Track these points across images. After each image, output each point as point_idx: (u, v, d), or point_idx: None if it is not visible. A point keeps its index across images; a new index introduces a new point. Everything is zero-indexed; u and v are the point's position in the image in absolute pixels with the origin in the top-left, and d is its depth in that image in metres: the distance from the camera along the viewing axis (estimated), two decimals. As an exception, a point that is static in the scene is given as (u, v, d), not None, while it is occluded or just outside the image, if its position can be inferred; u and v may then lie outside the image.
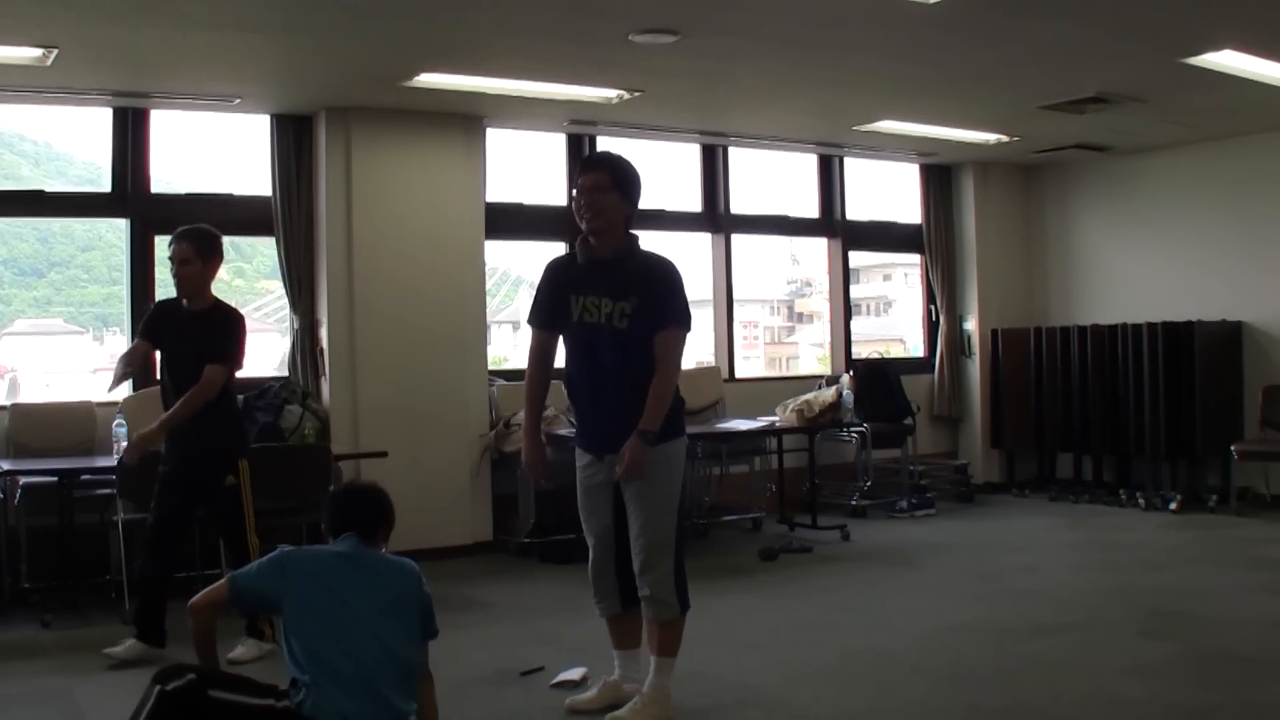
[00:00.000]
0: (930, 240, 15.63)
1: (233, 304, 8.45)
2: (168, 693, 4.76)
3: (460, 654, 7.87)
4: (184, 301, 8.16)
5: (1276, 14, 9.05)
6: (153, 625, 7.97)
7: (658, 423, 6.45)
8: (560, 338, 6.82)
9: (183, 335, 8.06)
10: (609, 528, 6.73)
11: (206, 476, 8.14)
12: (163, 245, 11.04)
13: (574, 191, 6.67)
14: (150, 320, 8.35)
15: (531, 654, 7.84)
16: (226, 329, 8.13)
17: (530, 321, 6.89)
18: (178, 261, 8.06)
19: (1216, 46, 9.92)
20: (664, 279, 6.65)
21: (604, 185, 6.56)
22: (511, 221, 12.85)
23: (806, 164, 15.21)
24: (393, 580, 5.37)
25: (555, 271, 6.85)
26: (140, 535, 9.78)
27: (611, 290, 6.53)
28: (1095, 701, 6.63)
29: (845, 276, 15.57)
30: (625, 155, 6.80)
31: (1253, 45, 9.96)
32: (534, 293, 6.95)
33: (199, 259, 8.05)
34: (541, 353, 6.85)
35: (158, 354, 8.31)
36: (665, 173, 14.90)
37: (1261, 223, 13.63)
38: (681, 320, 6.61)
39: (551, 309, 6.74)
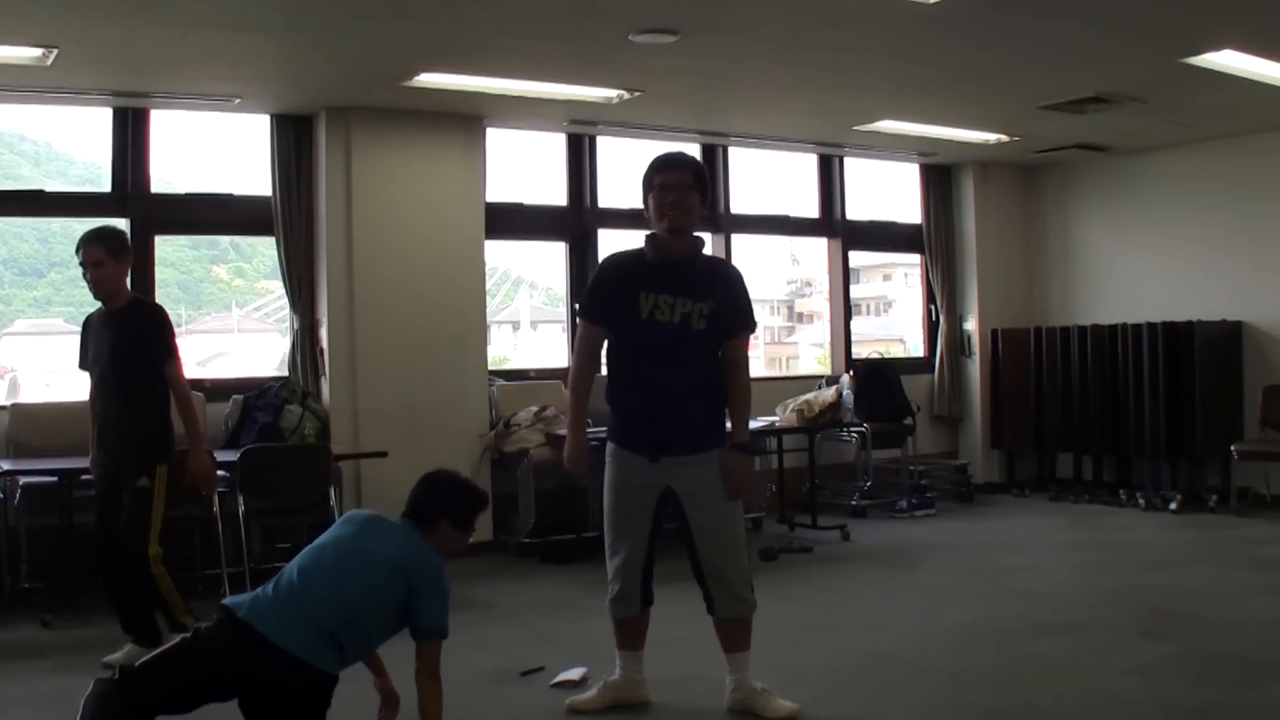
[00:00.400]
0: (930, 240, 15.63)
1: (152, 301, 8.27)
2: (98, 687, 5.22)
3: (460, 654, 7.85)
4: (101, 305, 8.04)
5: (1276, 14, 9.05)
6: (143, 626, 7.95)
7: (748, 432, 6.57)
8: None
9: (104, 337, 7.95)
10: (648, 531, 6.63)
11: (125, 475, 7.92)
12: (164, 245, 11.08)
13: (652, 189, 6.63)
14: (81, 352, 8.22)
15: (531, 654, 7.84)
16: (159, 325, 8.00)
17: (584, 315, 6.76)
18: (91, 265, 7.87)
19: (1216, 46, 9.92)
20: (739, 283, 6.72)
21: (688, 184, 6.54)
22: (511, 221, 12.86)
23: (806, 164, 15.21)
24: (379, 547, 5.72)
25: (621, 267, 6.72)
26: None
27: (691, 290, 6.49)
28: (1095, 701, 6.63)
29: (845, 276, 15.56)
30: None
31: (1252, 45, 9.97)
32: (591, 286, 6.81)
33: (111, 259, 7.87)
34: (593, 347, 6.73)
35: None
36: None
37: (1261, 223, 13.63)
38: (754, 326, 6.71)
39: (613, 304, 6.58)
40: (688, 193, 6.54)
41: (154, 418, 7.98)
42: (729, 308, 6.57)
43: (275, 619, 5.40)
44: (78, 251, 7.93)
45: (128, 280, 8.08)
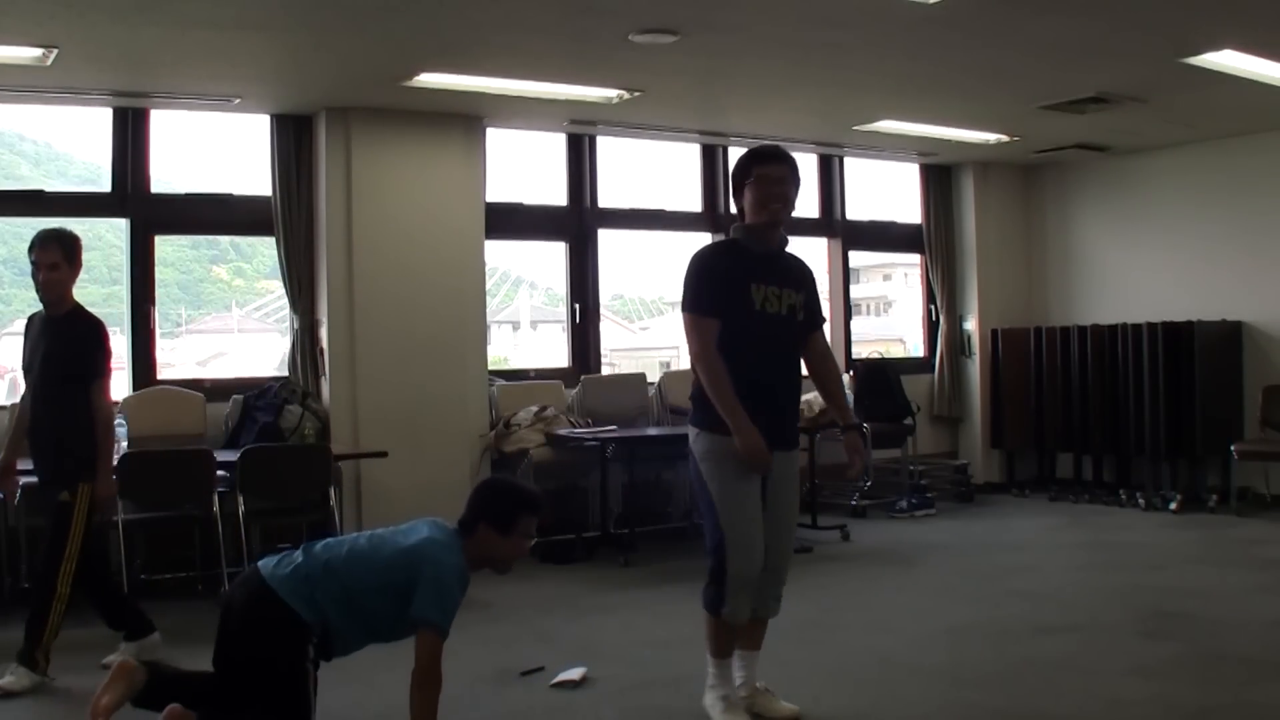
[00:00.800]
0: (930, 240, 15.64)
1: (91, 315, 8.02)
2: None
3: (460, 654, 7.85)
4: (44, 308, 7.78)
5: (1276, 14, 9.05)
6: (130, 621, 7.93)
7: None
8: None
9: (40, 345, 7.72)
10: (761, 527, 6.46)
11: (50, 487, 7.71)
12: (164, 245, 11.07)
13: (749, 180, 6.54)
14: (23, 353, 7.99)
15: (531, 654, 7.84)
16: (95, 341, 7.69)
17: (700, 310, 6.42)
18: (46, 267, 7.59)
19: (1216, 46, 9.92)
20: (814, 276, 6.83)
21: (788, 178, 6.53)
22: (511, 221, 12.87)
23: (806, 163, 15.17)
24: (405, 537, 5.92)
25: (725, 259, 6.58)
26: (140, 535, 9.85)
27: (793, 282, 6.54)
28: (1095, 702, 6.63)
29: (845, 276, 15.57)
30: None
31: (1252, 45, 9.97)
32: (699, 280, 6.50)
33: (66, 263, 7.63)
34: (714, 340, 6.36)
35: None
36: (665, 172, 14.93)
37: (1261, 222, 13.64)
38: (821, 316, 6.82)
39: (727, 297, 6.40)
40: (789, 186, 6.55)
41: (82, 433, 7.63)
42: (812, 299, 6.68)
43: (278, 567, 5.66)
44: (31, 250, 7.70)
45: (74, 288, 7.88)
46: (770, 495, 6.47)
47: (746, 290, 6.38)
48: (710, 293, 6.45)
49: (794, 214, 6.72)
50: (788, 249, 6.70)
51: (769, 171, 6.50)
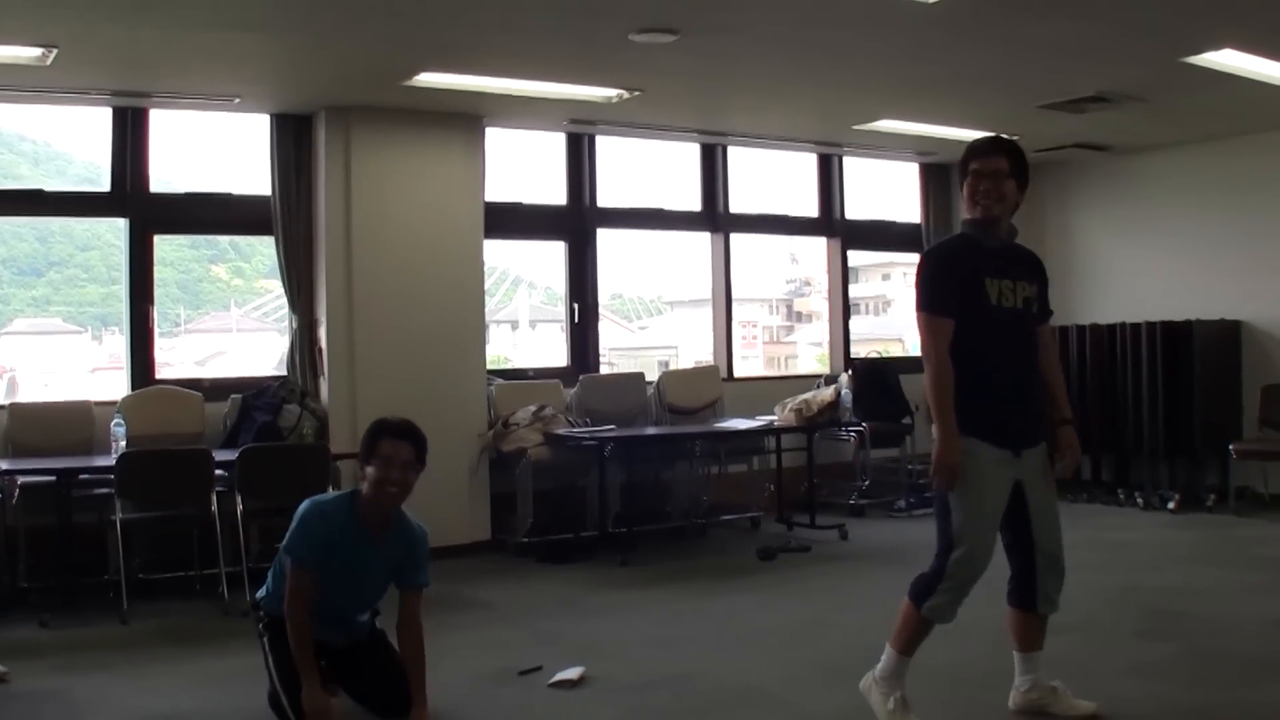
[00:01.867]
0: (929, 239, 15.62)
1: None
2: None
3: (459, 653, 7.88)
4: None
5: (1276, 14, 9.05)
6: None
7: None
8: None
9: None
10: (994, 533, 6.45)
11: None
12: (162, 245, 11.07)
13: (967, 175, 6.33)
14: None
15: (530, 654, 7.80)
16: None
17: (936, 309, 6.24)
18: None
19: (1216, 46, 9.92)
20: (1039, 266, 6.68)
21: (1003, 172, 6.25)
22: (511, 221, 12.88)
23: (806, 163, 15.23)
24: None
25: (958, 255, 6.39)
26: (139, 535, 9.85)
27: (1025, 274, 6.42)
28: (1093, 700, 6.61)
29: (844, 275, 15.58)
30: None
31: (1253, 44, 9.97)
32: (934, 278, 6.33)
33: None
34: (948, 343, 6.24)
35: None
36: (664, 172, 14.94)
37: (1261, 222, 13.65)
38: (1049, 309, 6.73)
39: (962, 295, 6.24)
40: (1003, 180, 6.25)
41: None
42: (1044, 291, 6.59)
43: None
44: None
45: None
46: (1029, 495, 6.43)
47: (982, 286, 6.26)
48: (945, 292, 6.28)
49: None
50: (1017, 240, 6.56)
51: (981, 166, 6.28)
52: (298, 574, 6.20)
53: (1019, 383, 6.37)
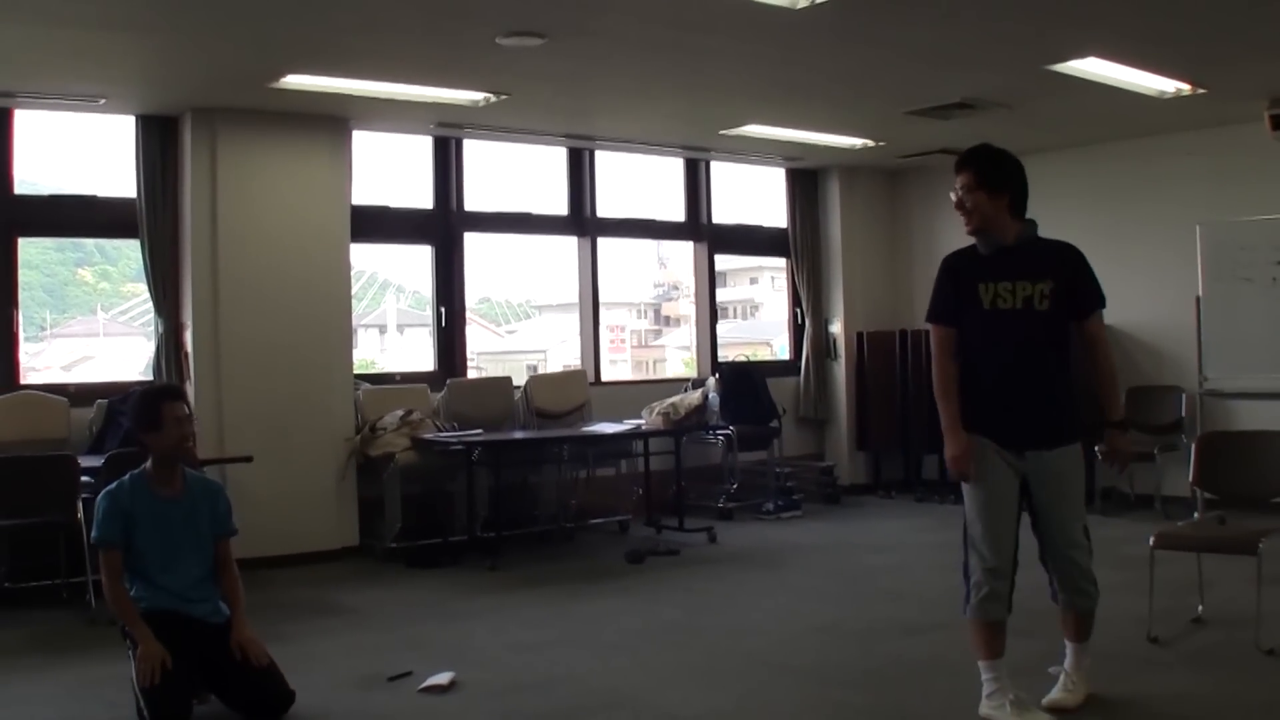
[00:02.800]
0: (796, 244, 15.74)
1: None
2: None
3: (327, 659, 7.84)
4: None
5: (1140, 22, 9.19)
6: None
7: (1120, 408, 6.65)
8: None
9: None
10: (1015, 526, 6.45)
11: None
12: (27, 247, 10.90)
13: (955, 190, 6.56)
14: None
15: (399, 659, 7.78)
16: None
17: (937, 319, 6.63)
18: None
19: (1081, 54, 10.06)
20: (1080, 260, 6.67)
21: (971, 185, 6.42)
22: (378, 224, 12.82)
23: (673, 167, 15.26)
24: None
25: (956, 264, 6.68)
26: (3, 542, 9.70)
27: (1029, 273, 6.45)
28: (962, 699, 6.66)
29: (711, 280, 15.62)
30: (1003, 150, 6.62)
31: (1116, 53, 10.11)
32: (935, 291, 6.72)
33: None
34: (952, 349, 6.57)
35: None
36: (532, 176, 14.93)
37: (1125, 227, 13.83)
38: (1103, 302, 6.70)
39: (956, 302, 6.54)
40: (972, 194, 6.43)
41: None
42: (1072, 285, 6.55)
43: None
44: None
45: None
46: (1035, 496, 6.48)
47: (974, 291, 6.46)
48: (942, 303, 6.64)
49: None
50: (1043, 238, 6.74)
51: (959, 180, 6.50)
52: (103, 555, 6.63)
53: (1020, 383, 6.46)
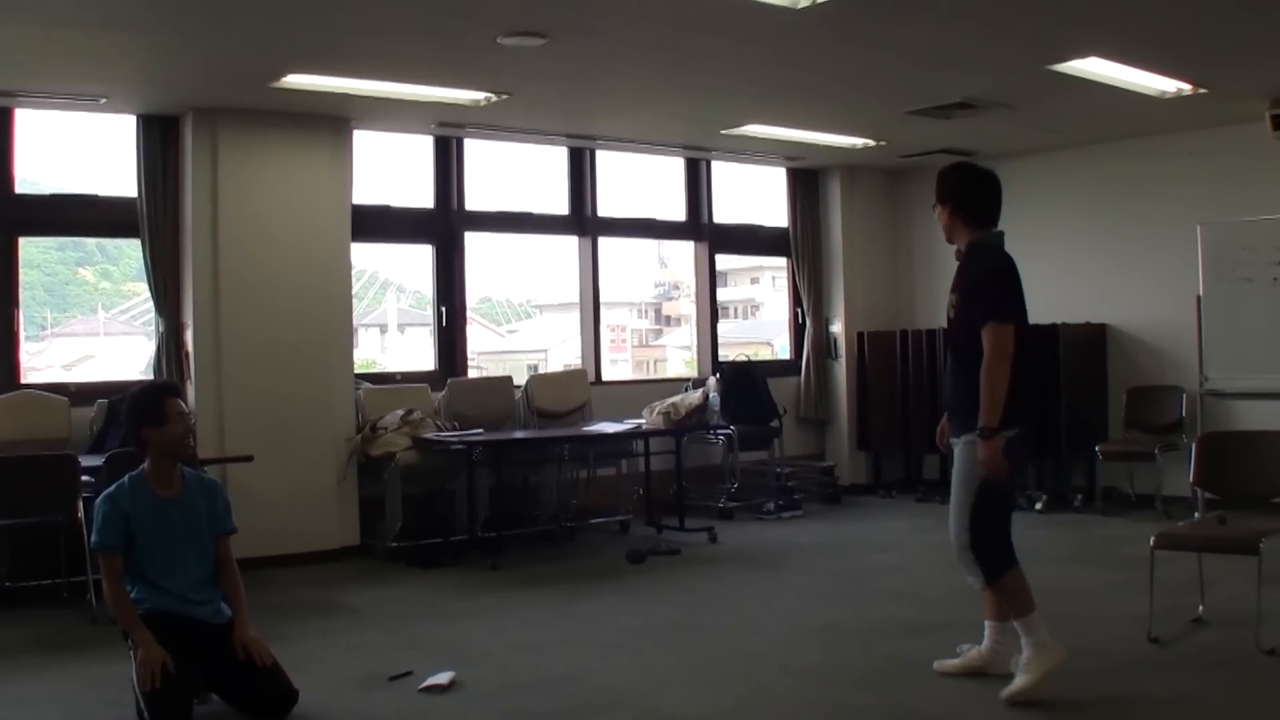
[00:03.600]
0: (797, 244, 15.73)
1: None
2: None
3: (328, 659, 7.84)
4: None
5: (1141, 22, 9.18)
6: None
7: (985, 416, 6.68)
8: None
9: None
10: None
11: None
12: (29, 247, 10.88)
13: None
14: None
15: (399, 659, 7.79)
16: None
17: (1015, 319, 6.81)
18: None
19: (1082, 54, 10.05)
20: (978, 272, 6.97)
21: (933, 203, 7.30)
22: (379, 224, 12.81)
23: (674, 167, 15.25)
24: None
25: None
26: (3, 542, 9.69)
27: (955, 285, 7.10)
28: (963, 700, 6.68)
29: (712, 279, 15.62)
30: (958, 163, 7.51)
31: (1118, 53, 10.11)
32: (1008, 289, 6.90)
33: None
34: None
35: None
36: (533, 176, 14.92)
37: (1125, 227, 13.84)
38: (991, 315, 6.73)
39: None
40: (937, 209, 7.28)
41: None
42: (967, 298, 6.92)
43: None
44: None
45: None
46: None
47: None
48: (1018, 300, 6.97)
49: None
50: (978, 251, 7.08)
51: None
52: (103, 561, 6.61)
53: (946, 387, 7.21)
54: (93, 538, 6.66)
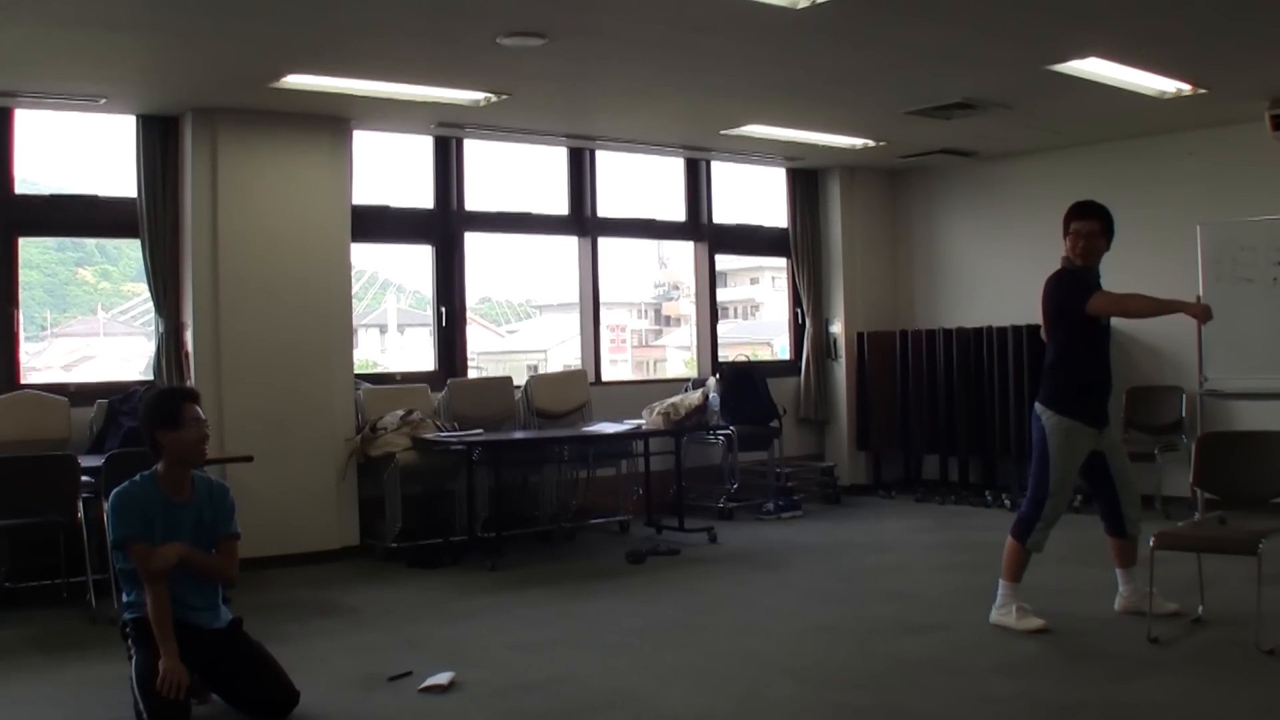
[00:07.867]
0: (797, 244, 15.73)
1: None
2: None
3: (328, 659, 7.84)
4: None
5: (1141, 22, 9.19)
6: None
7: None
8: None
9: None
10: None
11: None
12: (28, 247, 10.87)
13: (1068, 231, 9.14)
14: None
15: (399, 659, 7.79)
16: None
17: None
18: None
19: (1082, 54, 10.06)
20: (1047, 284, 9.18)
21: (1096, 232, 9.03)
22: (378, 224, 12.81)
23: (674, 167, 15.25)
24: None
25: (1077, 279, 8.96)
26: (3, 542, 9.69)
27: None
28: (963, 700, 6.68)
29: (712, 280, 15.62)
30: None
31: (1117, 53, 10.12)
32: (1072, 288, 8.91)
33: None
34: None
35: None
36: (532, 176, 14.92)
37: (1125, 227, 13.67)
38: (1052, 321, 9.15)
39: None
40: (1096, 239, 8.88)
41: None
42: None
43: None
44: None
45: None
46: (1108, 457, 8.92)
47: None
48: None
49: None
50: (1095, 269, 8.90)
51: (1079, 227, 8.89)
52: (133, 549, 6.47)
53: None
54: (111, 534, 6.57)
